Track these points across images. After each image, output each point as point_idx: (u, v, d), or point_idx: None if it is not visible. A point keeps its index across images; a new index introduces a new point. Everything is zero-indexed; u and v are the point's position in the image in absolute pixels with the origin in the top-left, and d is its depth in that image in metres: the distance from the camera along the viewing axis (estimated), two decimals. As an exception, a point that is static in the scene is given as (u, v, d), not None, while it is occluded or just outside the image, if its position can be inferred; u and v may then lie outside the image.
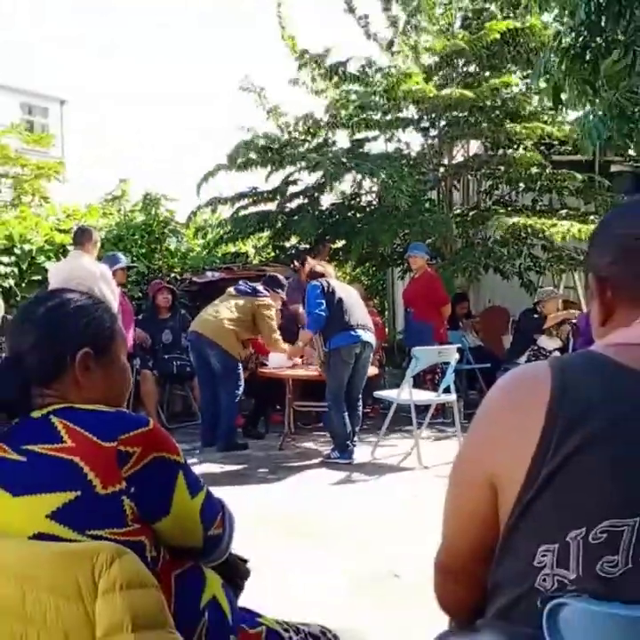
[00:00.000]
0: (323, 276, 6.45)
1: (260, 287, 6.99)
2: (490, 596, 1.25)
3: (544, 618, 1.11)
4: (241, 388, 6.79)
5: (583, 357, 1.23)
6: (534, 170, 8.92)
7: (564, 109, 5.08)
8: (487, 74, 9.43)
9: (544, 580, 1.13)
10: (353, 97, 9.49)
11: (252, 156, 9.71)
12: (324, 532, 4.37)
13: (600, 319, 1.28)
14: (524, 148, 9.19)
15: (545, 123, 9.31)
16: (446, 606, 1.42)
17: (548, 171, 9.05)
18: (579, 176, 9.05)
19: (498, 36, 8.78)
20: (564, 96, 4.52)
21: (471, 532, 1.27)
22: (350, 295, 6.45)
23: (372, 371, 7.29)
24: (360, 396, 6.45)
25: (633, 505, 1.08)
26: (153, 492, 1.44)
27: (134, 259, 8.94)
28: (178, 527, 1.49)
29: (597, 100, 4.17)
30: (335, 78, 9.52)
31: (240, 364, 6.84)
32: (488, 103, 8.94)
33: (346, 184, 10.56)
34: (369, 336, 6.25)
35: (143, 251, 9.32)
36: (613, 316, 1.26)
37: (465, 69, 9.73)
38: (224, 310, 6.81)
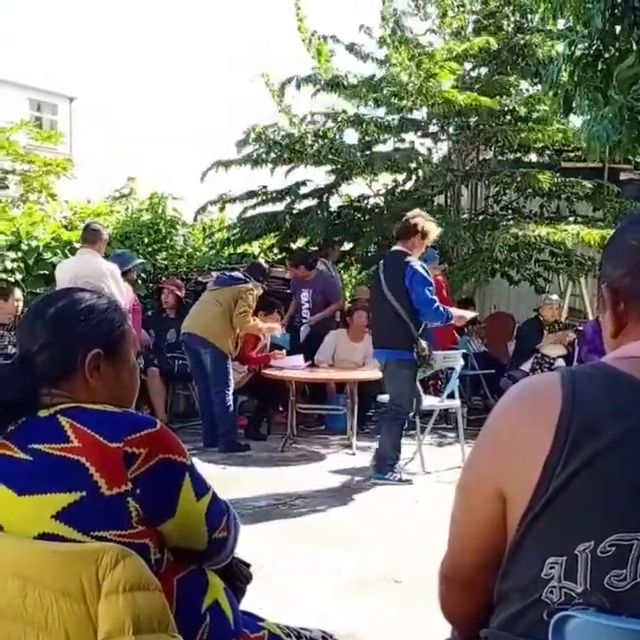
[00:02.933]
0: None
1: (238, 274, 6.97)
2: (495, 606, 1.24)
3: (550, 630, 1.10)
4: (230, 387, 6.75)
5: (594, 370, 1.22)
6: (542, 177, 8.91)
7: (574, 116, 5.05)
8: (496, 77, 9.44)
9: (551, 591, 1.13)
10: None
11: (265, 151, 9.67)
12: (325, 536, 4.36)
13: (612, 331, 1.26)
14: (537, 153, 9.17)
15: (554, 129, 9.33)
16: (450, 615, 1.42)
17: (556, 179, 9.02)
18: (587, 184, 9.04)
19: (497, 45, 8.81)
20: (574, 104, 4.51)
21: (478, 541, 1.26)
22: None
23: (376, 374, 7.30)
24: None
25: None
26: (158, 494, 1.43)
27: (140, 257, 8.95)
28: (183, 529, 1.49)
29: (607, 106, 4.15)
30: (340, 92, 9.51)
31: (230, 362, 6.80)
32: (498, 108, 8.94)
33: (353, 186, 10.58)
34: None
35: (149, 249, 9.34)
36: (626, 328, 1.24)
37: (474, 73, 9.73)
38: (210, 306, 6.79)
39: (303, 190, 10.37)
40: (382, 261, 5.81)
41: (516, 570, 1.18)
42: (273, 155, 9.64)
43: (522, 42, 8.97)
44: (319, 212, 9.97)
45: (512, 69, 9.27)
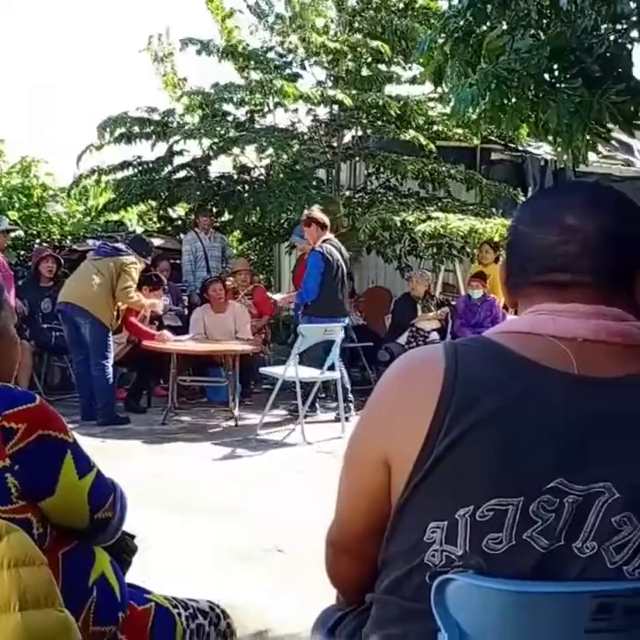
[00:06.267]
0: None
1: (121, 245, 6.84)
2: (380, 571, 1.28)
3: (432, 592, 1.15)
4: (110, 360, 6.62)
5: (476, 342, 1.28)
6: (411, 167, 9.09)
7: (443, 88, 5.13)
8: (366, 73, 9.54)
9: (433, 555, 1.17)
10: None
11: (135, 129, 9.55)
12: (208, 507, 4.36)
13: (509, 305, 1.37)
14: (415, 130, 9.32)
15: (428, 118, 9.54)
16: (337, 581, 1.46)
17: (428, 165, 9.21)
18: (453, 172, 9.27)
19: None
20: (445, 76, 4.59)
21: (365, 508, 1.29)
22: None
23: (257, 347, 7.36)
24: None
25: (518, 485, 1.13)
26: (37, 471, 1.41)
27: (11, 223, 8.59)
28: (63, 508, 1.46)
29: (475, 74, 4.22)
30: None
31: (110, 334, 6.68)
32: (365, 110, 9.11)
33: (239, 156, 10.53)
34: None
35: (21, 215, 8.96)
36: (518, 307, 1.33)
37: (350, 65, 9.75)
38: (91, 276, 6.60)
39: (180, 160, 10.25)
40: (334, 246, 6.90)
41: (399, 535, 1.23)
42: (143, 131, 9.53)
43: (404, 23, 9.05)
44: (198, 180, 9.88)
45: (394, 52, 9.35)
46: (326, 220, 6.99)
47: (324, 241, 6.82)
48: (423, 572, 1.18)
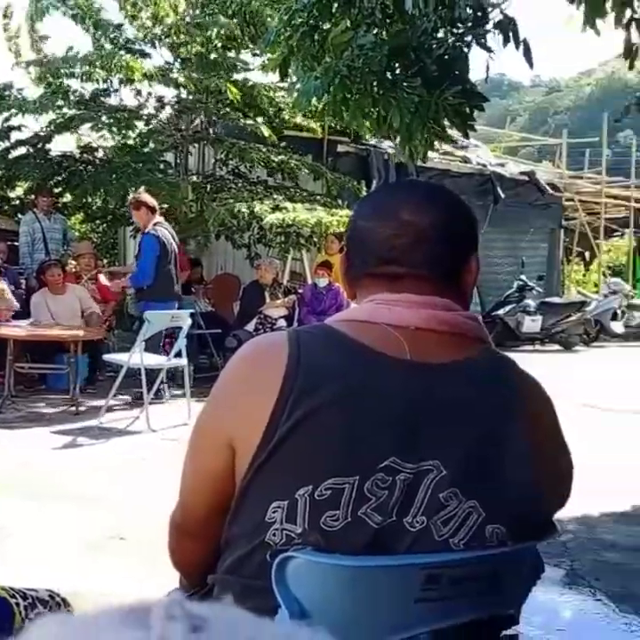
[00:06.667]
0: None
1: None
2: (222, 552, 1.31)
3: (273, 570, 1.18)
4: None
5: (318, 330, 1.33)
6: (258, 156, 9.12)
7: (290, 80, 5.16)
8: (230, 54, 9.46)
9: (274, 534, 1.21)
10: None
11: None
12: (48, 496, 4.24)
13: (348, 296, 1.44)
14: (263, 118, 9.35)
15: (275, 105, 9.58)
16: (180, 564, 1.47)
17: (273, 156, 9.27)
18: (298, 163, 9.37)
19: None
20: (291, 69, 4.64)
21: (209, 490, 1.32)
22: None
23: (101, 333, 7.18)
24: None
25: (354, 465, 1.19)
26: None
27: None
28: None
29: (319, 67, 4.28)
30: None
31: None
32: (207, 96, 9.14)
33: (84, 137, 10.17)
34: None
35: None
36: (357, 298, 1.39)
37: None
38: None
39: (19, 136, 9.80)
40: (166, 229, 7.03)
41: (242, 516, 1.26)
42: None
43: (255, 6, 9.03)
44: (37, 158, 9.47)
45: (244, 36, 9.31)
46: (155, 203, 7.01)
47: (155, 224, 6.84)
48: (264, 551, 1.21)
